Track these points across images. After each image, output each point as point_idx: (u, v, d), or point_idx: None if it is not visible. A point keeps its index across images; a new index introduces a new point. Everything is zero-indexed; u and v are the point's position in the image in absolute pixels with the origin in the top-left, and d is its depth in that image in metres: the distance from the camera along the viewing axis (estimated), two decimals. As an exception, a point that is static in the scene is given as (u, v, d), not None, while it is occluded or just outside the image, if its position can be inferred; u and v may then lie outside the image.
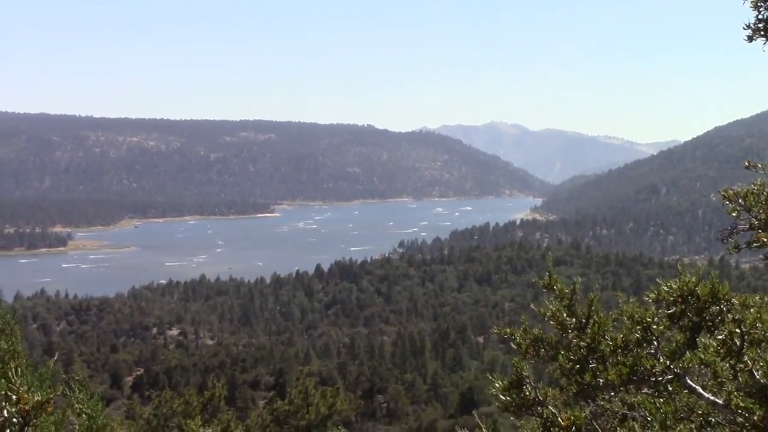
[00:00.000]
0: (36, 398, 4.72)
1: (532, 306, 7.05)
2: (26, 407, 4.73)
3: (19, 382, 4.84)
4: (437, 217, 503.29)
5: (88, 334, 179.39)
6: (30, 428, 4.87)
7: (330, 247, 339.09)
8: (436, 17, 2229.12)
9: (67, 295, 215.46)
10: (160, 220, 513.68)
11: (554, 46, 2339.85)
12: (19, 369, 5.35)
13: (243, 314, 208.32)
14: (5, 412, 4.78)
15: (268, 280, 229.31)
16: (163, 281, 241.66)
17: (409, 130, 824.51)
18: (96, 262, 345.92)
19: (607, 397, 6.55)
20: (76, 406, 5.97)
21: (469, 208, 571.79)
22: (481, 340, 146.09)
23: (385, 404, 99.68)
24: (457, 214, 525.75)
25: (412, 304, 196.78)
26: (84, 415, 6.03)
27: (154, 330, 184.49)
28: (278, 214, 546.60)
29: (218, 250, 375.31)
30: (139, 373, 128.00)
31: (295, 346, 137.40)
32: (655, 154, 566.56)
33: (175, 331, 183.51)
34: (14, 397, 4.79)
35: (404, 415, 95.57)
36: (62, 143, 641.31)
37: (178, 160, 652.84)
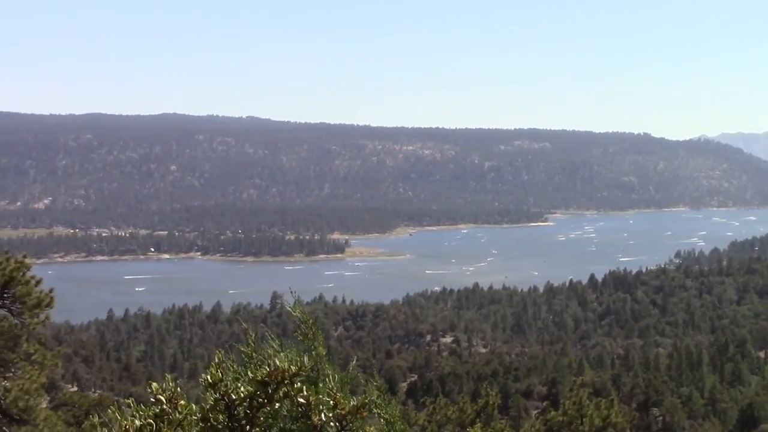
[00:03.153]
0: (352, 403, 4.95)
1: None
2: (343, 412, 4.98)
3: (335, 388, 5.11)
4: (716, 227, 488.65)
5: (364, 339, 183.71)
6: (345, 432, 5.11)
7: (604, 257, 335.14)
8: (714, 23, 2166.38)
9: (344, 301, 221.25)
10: (435, 228, 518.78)
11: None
12: (336, 375, 5.65)
13: (516, 323, 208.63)
14: (323, 415, 5.05)
15: (541, 290, 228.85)
16: (437, 288, 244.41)
17: (687, 138, 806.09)
18: (362, 270, 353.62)
19: None
20: (375, 411, 6.21)
21: (752, 218, 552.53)
22: (762, 354, 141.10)
23: (661, 418, 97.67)
24: (737, 224, 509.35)
25: (688, 316, 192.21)
26: (382, 420, 6.25)
27: (428, 337, 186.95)
28: (551, 223, 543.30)
29: (489, 258, 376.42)
30: (413, 379, 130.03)
31: (568, 357, 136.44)
32: None
33: (448, 339, 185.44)
34: (331, 401, 5.05)
35: (680, 430, 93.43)
36: (341, 152, 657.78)
37: (452, 169, 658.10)
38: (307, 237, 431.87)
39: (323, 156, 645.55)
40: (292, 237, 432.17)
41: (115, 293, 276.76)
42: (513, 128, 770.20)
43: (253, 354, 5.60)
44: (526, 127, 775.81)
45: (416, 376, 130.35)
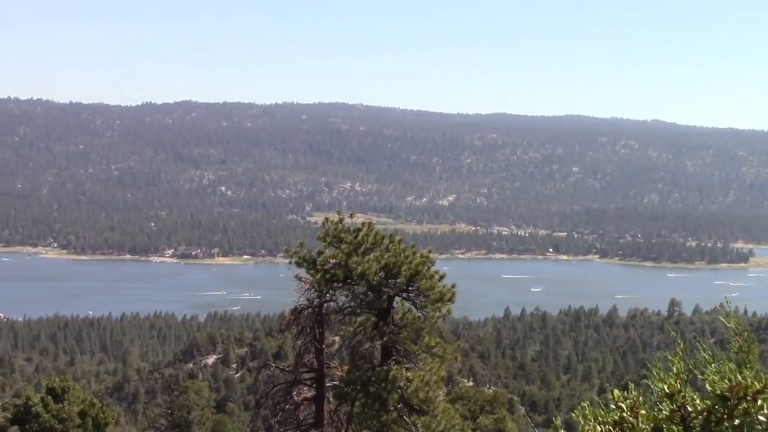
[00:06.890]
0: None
1: None
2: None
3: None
4: None
5: (766, 353, 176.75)
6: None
7: None
8: None
9: (745, 312, 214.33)
10: None
11: None
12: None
13: None
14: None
15: None
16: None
17: None
18: (755, 281, 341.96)
19: None
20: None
21: None
22: None
23: None
24: None
25: None
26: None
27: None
28: None
29: None
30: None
31: None
32: None
33: None
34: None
35: None
36: (748, 158, 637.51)
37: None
38: (709, 244, 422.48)
39: (729, 162, 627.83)
40: (694, 244, 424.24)
41: (512, 292, 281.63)
42: None
43: (681, 363, 5.61)
44: None
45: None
